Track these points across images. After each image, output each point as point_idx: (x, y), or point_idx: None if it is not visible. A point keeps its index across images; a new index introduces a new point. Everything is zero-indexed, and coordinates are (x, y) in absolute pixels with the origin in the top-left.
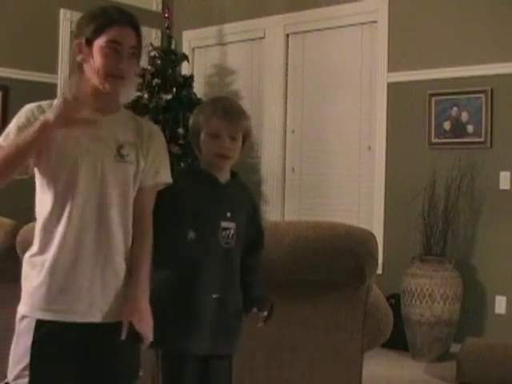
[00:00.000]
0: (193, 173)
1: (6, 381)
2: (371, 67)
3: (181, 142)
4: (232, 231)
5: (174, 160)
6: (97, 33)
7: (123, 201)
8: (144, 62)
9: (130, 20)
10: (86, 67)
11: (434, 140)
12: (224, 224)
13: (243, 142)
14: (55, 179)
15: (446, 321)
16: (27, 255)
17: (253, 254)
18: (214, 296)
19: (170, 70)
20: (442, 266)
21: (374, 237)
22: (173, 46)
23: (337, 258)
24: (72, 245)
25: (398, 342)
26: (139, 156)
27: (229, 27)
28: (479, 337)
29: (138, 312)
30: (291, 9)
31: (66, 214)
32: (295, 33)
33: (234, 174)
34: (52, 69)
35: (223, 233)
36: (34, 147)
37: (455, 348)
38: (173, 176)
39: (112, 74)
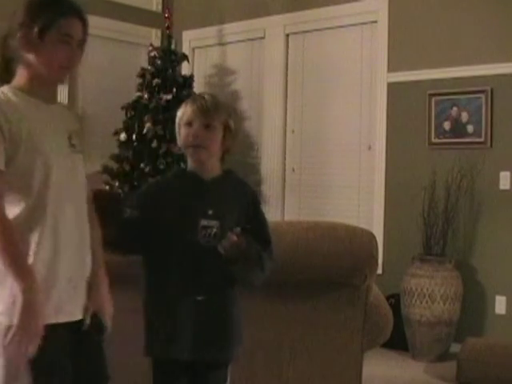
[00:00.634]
0: (178, 174)
1: None
2: (371, 67)
3: None
4: (214, 229)
5: (174, 160)
6: (50, 24)
7: (83, 192)
8: (144, 62)
9: (80, 12)
10: (30, 57)
11: (433, 140)
12: (204, 222)
13: (224, 136)
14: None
15: (445, 321)
16: None
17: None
18: (198, 298)
19: (170, 70)
20: (442, 266)
21: (374, 237)
22: (173, 46)
23: (337, 258)
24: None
25: (397, 342)
26: (83, 144)
27: (229, 27)
28: (479, 337)
29: (99, 300)
30: (291, 9)
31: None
32: (295, 33)
33: (227, 172)
34: None
35: (203, 231)
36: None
37: (455, 348)
38: (162, 179)
39: (65, 65)
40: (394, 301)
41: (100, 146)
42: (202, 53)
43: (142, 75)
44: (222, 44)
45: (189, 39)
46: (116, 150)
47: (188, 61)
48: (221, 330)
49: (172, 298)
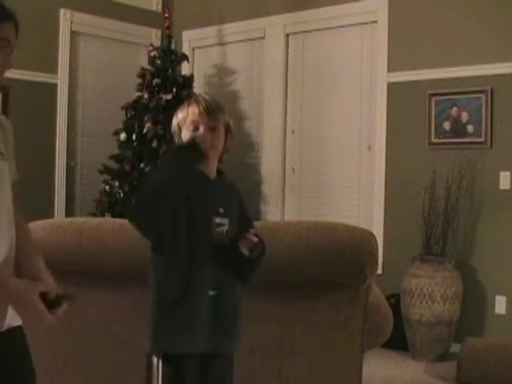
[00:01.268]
0: (184, 171)
1: None
2: (371, 67)
3: None
4: (226, 227)
5: None
6: None
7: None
8: (144, 62)
9: (15, 17)
10: None
11: (433, 140)
12: (217, 220)
13: (225, 137)
14: None
15: (446, 321)
16: None
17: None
18: (211, 293)
19: (170, 70)
20: (442, 266)
21: (373, 237)
22: (173, 46)
23: (337, 258)
24: None
25: (397, 342)
26: (6, 150)
27: (229, 27)
28: (479, 337)
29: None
30: (291, 9)
31: None
32: (295, 33)
33: (219, 173)
34: (52, 69)
35: (217, 229)
36: None
37: (455, 348)
38: (166, 177)
39: (1, 71)
40: (394, 301)
41: (100, 145)
42: (201, 53)
43: (142, 75)
44: (221, 44)
45: (189, 39)
46: (116, 150)
47: (188, 61)
48: (232, 322)
49: (187, 295)
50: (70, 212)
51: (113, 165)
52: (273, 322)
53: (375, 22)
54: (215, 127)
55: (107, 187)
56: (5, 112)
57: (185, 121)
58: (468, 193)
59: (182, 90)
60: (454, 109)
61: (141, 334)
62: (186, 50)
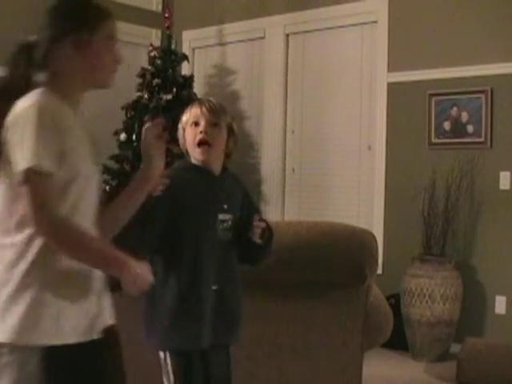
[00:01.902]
0: (188, 168)
1: None
2: (371, 67)
3: None
4: (230, 223)
5: (175, 160)
6: (96, 28)
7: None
8: (144, 62)
9: (113, 14)
10: (72, 64)
11: (434, 140)
12: (221, 216)
13: (228, 138)
14: None
15: (446, 321)
16: None
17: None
18: (214, 288)
19: (170, 70)
20: (442, 266)
21: (373, 237)
22: (173, 46)
23: (337, 258)
24: None
25: (398, 342)
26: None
27: (229, 27)
28: (479, 337)
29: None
30: (291, 9)
31: None
32: (295, 33)
33: (224, 168)
34: None
35: (221, 225)
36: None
37: (455, 348)
38: (168, 173)
39: (114, 68)
40: (394, 301)
41: (100, 145)
42: (201, 53)
43: (142, 75)
44: (221, 44)
45: (189, 39)
46: (116, 150)
47: (188, 61)
48: (233, 315)
49: (193, 290)
50: None
51: (113, 165)
52: (273, 321)
53: (375, 22)
54: (217, 124)
55: (107, 187)
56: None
57: (187, 121)
58: (468, 193)
59: (182, 90)
60: (454, 109)
61: (141, 332)
62: (186, 50)
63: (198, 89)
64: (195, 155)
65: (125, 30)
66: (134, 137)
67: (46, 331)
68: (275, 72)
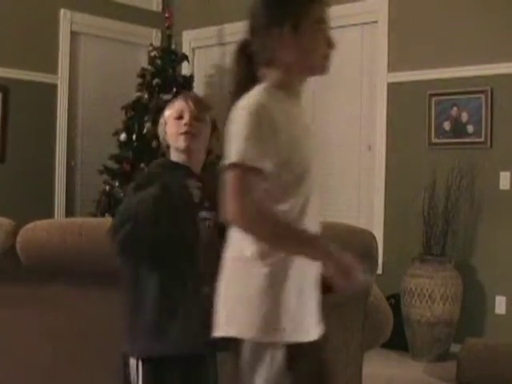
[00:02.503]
0: (167, 165)
1: None
2: (371, 67)
3: None
4: (210, 222)
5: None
6: (304, 15)
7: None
8: (144, 62)
9: None
10: (284, 54)
11: (434, 140)
12: (203, 214)
13: (211, 135)
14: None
15: (446, 321)
16: None
17: None
18: (204, 290)
19: (170, 70)
20: (442, 266)
21: (374, 237)
22: (173, 46)
23: None
24: None
25: (398, 342)
26: None
27: (229, 27)
28: (479, 337)
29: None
30: None
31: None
32: None
33: (204, 166)
34: (52, 69)
35: (202, 223)
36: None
37: (455, 348)
38: (148, 171)
39: (327, 53)
40: (394, 301)
41: (100, 146)
42: (201, 53)
43: (142, 75)
44: (221, 44)
45: (189, 39)
46: (116, 150)
47: (188, 61)
48: None
49: (181, 294)
50: (70, 212)
51: (113, 165)
52: None
53: (375, 22)
54: (201, 118)
55: (107, 187)
56: (5, 112)
57: (171, 114)
58: (468, 193)
59: (182, 90)
60: (454, 109)
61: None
62: (186, 50)
63: (198, 89)
64: (178, 144)
65: (125, 29)
66: (134, 137)
67: (288, 328)
68: None
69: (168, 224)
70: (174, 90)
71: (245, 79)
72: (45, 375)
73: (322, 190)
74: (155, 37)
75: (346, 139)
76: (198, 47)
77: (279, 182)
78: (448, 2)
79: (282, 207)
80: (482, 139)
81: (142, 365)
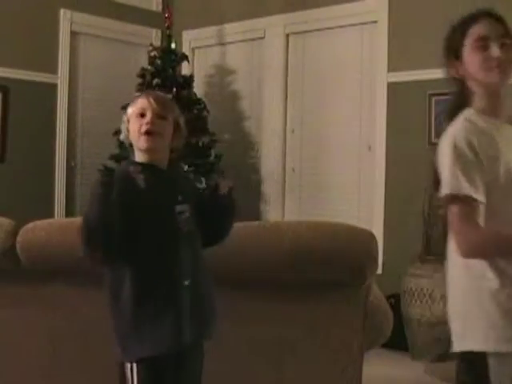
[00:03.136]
0: (134, 165)
1: None
2: (371, 67)
3: None
4: (187, 214)
5: (174, 160)
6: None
7: None
8: (144, 62)
9: (487, 11)
10: (469, 75)
11: (434, 140)
12: (178, 208)
13: (174, 133)
14: None
15: (446, 321)
16: None
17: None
18: (186, 283)
19: (170, 70)
20: (442, 266)
21: (374, 237)
22: (173, 46)
23: (337, 258)
24: None
25: (398, 342)
26: None
27: (229, 27)
28: None
29: None
30: (291, 9)
31: None
32: (295, 33)
33: (170, 162)
34: (52, 69)
35: (180, 216)
36: None
37: None
38: (116, 173)
39: (500, 67)
40: (394, 301)
41: (100, 146)
42: (201, 53)
43: (142, 75)
44: (222, 44)
45: (189, 39)
46: (116, 150)
47: (188, 61)
48: (208, 308)
49: (165, 289)
50: (70, 212)
51: (113, 165)
52: (273, 322)
53: (375, 22)
54: (164, 117)
55: None
56: (5, 112)
57: (133, 112)
58: None
59: (182, 90)
60: None
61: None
62: (186, 50)
63: (198, 89)
64: (140, 144)
65: (125, 29)
66: None
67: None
68: (275, 72)
69: (149, 219)
70: (174, 90)
71: (456, 104)
72: (45, 375)
73: (322, 190)
74: (155, 37)
75: (346, 139)
76: (198, 47)
77: (490, 200)
78: (448, 2)
79: (494, 222)
80: None
81: (136, 366)
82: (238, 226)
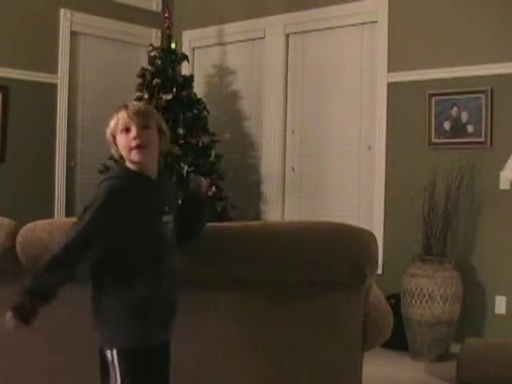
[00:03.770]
0: (125, 175)
1: None
2: (371, 67)
3: (181, 142)
4: (171, 224)
5: (174, 160)
6: None
7: None
8: (144, 62)
9: None
10: None
11: (434, 140)
12: (165, 218)
13: (159, 138)
14: None
15: (446, 321)
16: None
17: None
18: (165, 284)
19: (170, 70)
20: (442, 266)
21: (374, 237)
22: (173, 46)
23: (337, 258)
24: None
25: (398, 342)
26: None
27: (229, 27)
28: (479, 337)
29: None
30: (291, 9)
31: None
32: (295, 33)
33: (159, 170)
34: (52, 69)
35: (166, 226)
36: None
37: (455, 348)
38: (111, 182)
39: None
40: (394, 301)
41: (100, 146)
42: (201, 53)
43: (142, 75)
44: (222, 44)
45: (189, 39)
46: None
47: (188, 61)
48: (176, 308)
49: (148, 291)
50: (70, 212)
51: (113, 165)
52: (273, 321)
53: (375, 22)
54: (147, 126)
55: None
56: (5, 112)
57: (117, 127)
58: (468, 193)
59: (182, 90)
60: (454, 109)
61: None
62: (185, 50)
63: (198, 89)
64: (131, 158)
65: (125, 29)
66: None
67: None
68: (275, 72)
69: (136, 230)
70: (174, 90)
71: None
72: (45, 375)
73: (322, 190)
74: (155, 37)
75: (346, 139)
76: (198, 47)
77: None
78: (448, 2)
79: None
80: (482, 139)
81: (118, 356)
82: (238, 226)
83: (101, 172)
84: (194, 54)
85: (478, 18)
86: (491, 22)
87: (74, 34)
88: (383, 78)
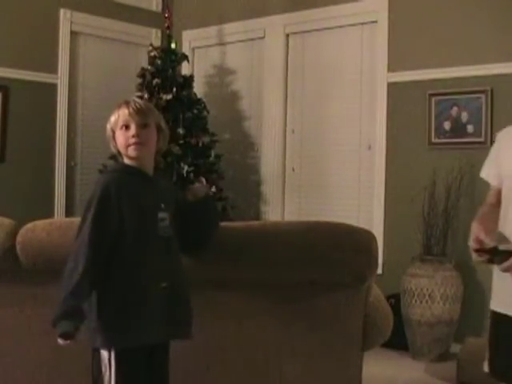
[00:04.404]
0: (122, 170)
1: None
2: (371, 67)
3: (181, 142)
4: (167, 221)
5: (174, 160)
6: None
7: None
8: (144, 62)
9: None
10: None
11: (434, 140)
12: (160, 215)
13: (157, 136)
14: None
15: (446, 321)
16: None
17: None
18: (163, 285)
19: (170, 70)
20: (442, 266)
21: (374, 237)
22: (173, 46)
23: (337, 259)
24: None
25: (398, 342)
26: None
27: (229, 27)
28: (479, 337)
29: None
30: (291, 9)
31: None
32: (295, 33)
33: (156, 169)
34: (52, 69)
35: (161, 223)
36: None
37: (455, 348)
38: (107, 176)
39: None
40: (394, 301)
41: (100, 145)
42: (201, 53)
43: (142, 75)
44: (222, 44)
45: (189, 39)
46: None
47: (188, 61)
48: (184, 309)
49: (143, 289)
50: (69, 212)
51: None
52: (273, 321)
53: (375, 22)
54: (146, 124)
55: None
56: (4, 112)
57: (117, 123)
58: (468, 193)
59: (182, 90)
60: (454, 109)
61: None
62: (185, 50)
63: (198, 89)
64: (128, 153)
65: (125, 29)
66: None
67: None
68: (275, 72)
69: (131, 225)
70: (174, 90)
71: None
72: (45, 375)
73: (322, 190)
74: (155, 37)
75: (346, 139)
76: (198, 47)
77: None
78: (448, 2)
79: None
80: (482, 139)
81: (109, 355)
82: (238, 226)
83: (101, 172)
84: (193, 54)
85: (478, 18)
86: (491, 22)
87: (73, 34)
88: (383, 77)
